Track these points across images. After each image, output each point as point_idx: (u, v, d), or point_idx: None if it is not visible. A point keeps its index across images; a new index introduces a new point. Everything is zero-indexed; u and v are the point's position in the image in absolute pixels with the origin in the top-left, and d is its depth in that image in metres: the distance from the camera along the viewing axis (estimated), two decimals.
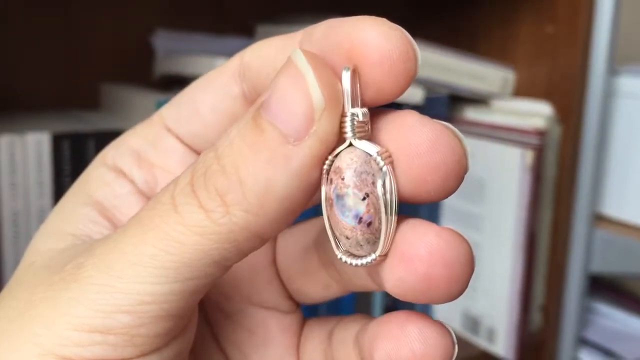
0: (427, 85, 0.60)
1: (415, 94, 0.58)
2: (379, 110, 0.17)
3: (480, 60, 0.64)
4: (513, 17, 0.67)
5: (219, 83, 0.21)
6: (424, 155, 0.16)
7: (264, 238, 0.16)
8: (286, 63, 0.16)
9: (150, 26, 0.66)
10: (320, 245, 0.21)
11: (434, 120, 0.17)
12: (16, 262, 0.46)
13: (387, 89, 0.16)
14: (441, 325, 0.18)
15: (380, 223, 0.16)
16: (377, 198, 0.16)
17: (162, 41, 0.66)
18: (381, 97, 0.17)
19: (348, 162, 0.16)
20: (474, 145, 0.62)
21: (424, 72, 0.59)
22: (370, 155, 0.16)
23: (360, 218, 0.16)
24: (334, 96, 0.15)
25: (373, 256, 0.17)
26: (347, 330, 0.21)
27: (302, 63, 0.15)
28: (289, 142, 0.15)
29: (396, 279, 0.17)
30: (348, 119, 0.16)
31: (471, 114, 0.63)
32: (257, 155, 0.15)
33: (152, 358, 0.17)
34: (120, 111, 0.58)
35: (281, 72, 0.16)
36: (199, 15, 0.69)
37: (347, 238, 0.16)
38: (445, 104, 0.63)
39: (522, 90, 0.66)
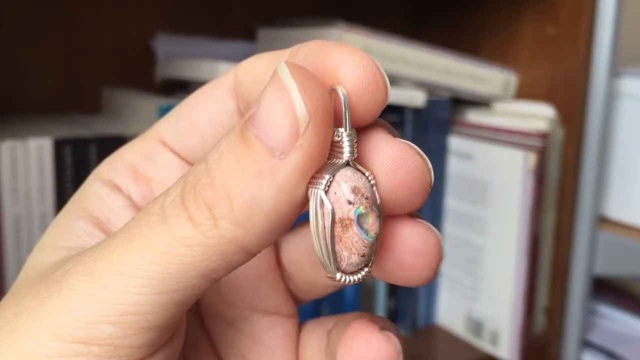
0: (429, 88, 0.60)
1: (417, 97, 0.58)
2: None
3: (482, 63, 0.64)
4: (515, 19, 0.67)
5: (215, 97, 0.21)
6: (387, 175, 0.17)
7: (251, 252, 0.16)
8: (272, 76, 0.16)
9: (151, 30, 0.66)
10: None
11: (397, 139, 0.17)
12: (18, 268, 0.46)
13: (357, 116, 0.17)
14: (387, 335, 0.19)
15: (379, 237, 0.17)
16: (381, 215, 0.17)
17: (163, 45, 0.66)
18: (352, 123, 0.17)
19: (363, 182, 0.16)
20: (476, 148, 0.62)
21: (425, 75, 0.59)
22: (365, 175, 0.17)
23: (377, 235, 0.17)
24: (319, 109, 0.15)
25: (367, 269, 0.17)
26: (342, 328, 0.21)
27: (286, 76, 0.15)
28: (275, 156, 0.15)
29: (375, 264, 0.18)
30: (346, 138, 0.16)
31: (473, 116, 0.63)
32: (244, 169, 0.15)
33: None
34: (122, 116, 0.58)
35: (267, 86, 0.16)
36: (200, 18, 0.69)
37: (363, 256, 0.17)
38: (447, 107, 0.63)
39: (524, 93, 0.66)
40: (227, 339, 0.23)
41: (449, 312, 0.67)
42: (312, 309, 0.57)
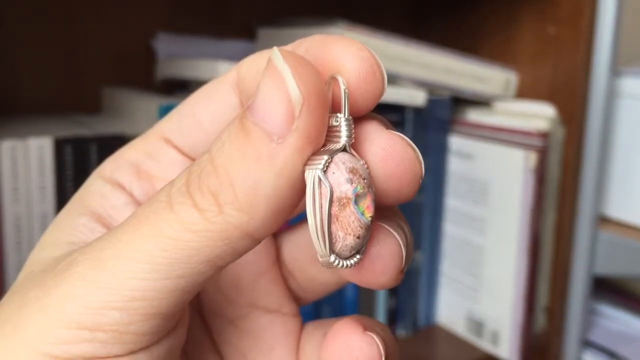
0: (430, 87, 0.60)
1: (417, 96, 0.58)
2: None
3: (482, 62, 0.64)
4: (515, 19, 0.67)
5: (218, 93, 0.21)
6: (379, 164, 0.17)
7: (256, 237, 0.17)
8: (267, 64, 0.16)
9: (151, 29, 0.66)
10: None
11: (389, 130, 0.18)
12: (19, 267, 0.46)
13: (354, 106, 0.17)
14: (369, 336, 0.20)
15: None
16: (375, 200, 0.17)
17: (163, 44, 0.66)
18: (350, 112, 0.17)
19: (360, 164, 0.17)
20: (476, 148, 0.62)
21: (426, 74, 0.59)
22: (359, 161, 0.17)
23: (372, 217, 0.17)
24: (312, 92, 0.16)
25: (359, 256, 0.18)
26: None
27: (279, 62, 0.16)
28: (273, 141, 0.16)
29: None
30: (344, 123, 0.17)
31: (474, 115, 0.63)
32: (244, 156, 0.16)
33: (141, 356, 0.17)
34: (122, 115, 0.58)
35: (263, 74, 0.16)
36: (200, 18, 0.69)
37: (358, 238, 0.17)
38: (447, 106, 0.63)
39: (525, 92, 0.66)
40: (228, 337, 0.23)
41: (450, 312, 0.67)
42: (312, 309, 0.57)
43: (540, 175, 0.58)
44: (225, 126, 0.17)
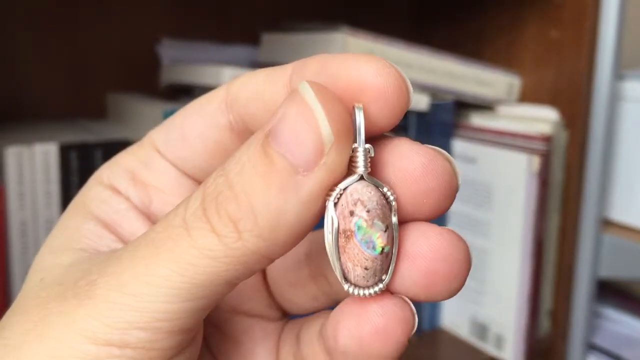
0: (433, 91, 0.60)
1: (421, 101, 0.58)
2: (370, 138, 0.18)
3: (485, 66, 0.64)
4: (518, 23, 0.67)
5: (206, 111, 0.21)
6: (419, 180, 0.17)
7: (273, 259, 0.17)
8: (293, 94, 0.16)
9: (155, 35, 0.66)
10: (311, 258, 0.22)
11: (425, 145, 0.18)
12: (24, 272, 0.46)
13: (382, 122, 0.17)
14: (400, 298, 0.18)
15: (392, 252, 0.17)
16: (393, 230, 0.17)
17: (168, 50, 0.66)
18: (376, 129, 0.18)
19: (369, 195, 0.17)
20: (480, 152, 0.62)
21: (429, 79, 0.59)
22: (380, 189, 0.17)
23: (382, 249, 0.17)
24: (342, 130, 0.16)
25: (380, 285, 0.18)
26: (311, 328, 0.22)
27: (310, 97, 0.16)
28: (298, 173, 0.16)
29: (399, 276, 0.18)
30: (361, 153, 0.17)
31: (477, 120, 0.63)
32: (268, 184, 0.16)
33: None
34: (127, 121, 0.58)
35: (289, 103, 0.16)
36: (203, 23, 0.69)
37: (366, 269, 0.17)
38: (451, 110, 0.63)
39: (528, 96, 0.66)
40: (216, 341, 0.23)
41: (454, 316, 0.67)
42: None
43: (544, 178, 0.58)
44: (240, 147, 0.17)
